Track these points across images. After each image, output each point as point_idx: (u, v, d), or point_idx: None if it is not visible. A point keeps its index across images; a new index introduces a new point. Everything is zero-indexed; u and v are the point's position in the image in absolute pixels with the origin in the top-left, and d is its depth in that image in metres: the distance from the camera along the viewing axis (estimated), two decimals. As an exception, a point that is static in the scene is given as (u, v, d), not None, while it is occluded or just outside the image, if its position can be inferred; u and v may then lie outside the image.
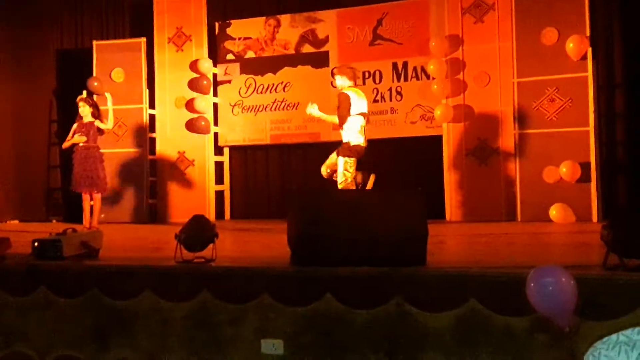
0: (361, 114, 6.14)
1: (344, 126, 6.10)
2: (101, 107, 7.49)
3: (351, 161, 6.05)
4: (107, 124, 7.37)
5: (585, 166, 7.05)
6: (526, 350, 3.23)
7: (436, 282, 3.52)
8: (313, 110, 6.42)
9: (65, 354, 4.09)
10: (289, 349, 3.66)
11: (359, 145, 6.10)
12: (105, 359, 4.01)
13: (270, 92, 8.88)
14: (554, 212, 7.04)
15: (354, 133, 6.09)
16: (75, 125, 7.29)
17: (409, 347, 3.45)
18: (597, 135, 7.22)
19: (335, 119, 6.25)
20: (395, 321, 3.49)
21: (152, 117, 9.07)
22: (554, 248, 5.47)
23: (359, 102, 6.16)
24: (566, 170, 7.03)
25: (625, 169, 7.48)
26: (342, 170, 6.06)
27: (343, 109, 6.06)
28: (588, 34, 7.15)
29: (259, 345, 3.70)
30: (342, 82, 6.28)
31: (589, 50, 7.13)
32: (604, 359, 1.45)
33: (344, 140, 6.13)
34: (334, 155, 6.26)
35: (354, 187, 6.05)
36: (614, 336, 1.46)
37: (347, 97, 6.10)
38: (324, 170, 6.34)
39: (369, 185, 6.16)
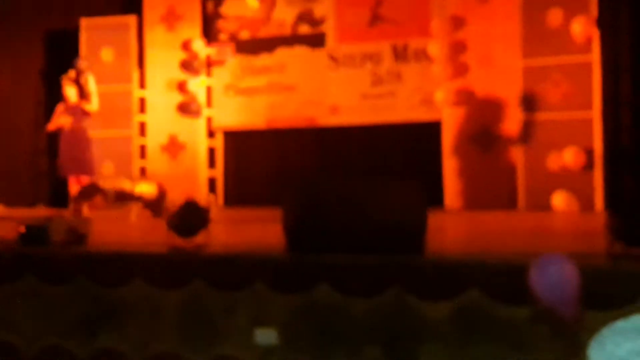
0: None
1: None
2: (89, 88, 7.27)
3: None
4: (92, 106, 7.15)
5: (590, 153, 6.93)
6: (528, 340, 3.14)
7: (435, 271, 3.42)
8: None
9: (52, 343, 3.95)
10: (283, 339, 3.55)
11: None
12: (93, 349, 3.88)
13: (266, 73, 8.66)
14: (557, 200, 6.92)
15: None
16: (60, 106, 7.07)
17: (408, 337, 3.36)
18: (602, 121, 7.08)
19: None
20: (393, 311, 3.39)
21: (142, 99, 8.83)
22: (557, 236, 5.43)
23: None
24: (570, 157, 6.90)
25: (631, 156, 7.33)
26: None
27: None
28: (595, 15, 6.98)
29: (252, 334, 3.58)
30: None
31: (596, 32, 6.97)
32: (609, 345, 1.35)
33: None
34: None
35: None
36: (619, 322, 1.37)
37: None
38: None
39: None
